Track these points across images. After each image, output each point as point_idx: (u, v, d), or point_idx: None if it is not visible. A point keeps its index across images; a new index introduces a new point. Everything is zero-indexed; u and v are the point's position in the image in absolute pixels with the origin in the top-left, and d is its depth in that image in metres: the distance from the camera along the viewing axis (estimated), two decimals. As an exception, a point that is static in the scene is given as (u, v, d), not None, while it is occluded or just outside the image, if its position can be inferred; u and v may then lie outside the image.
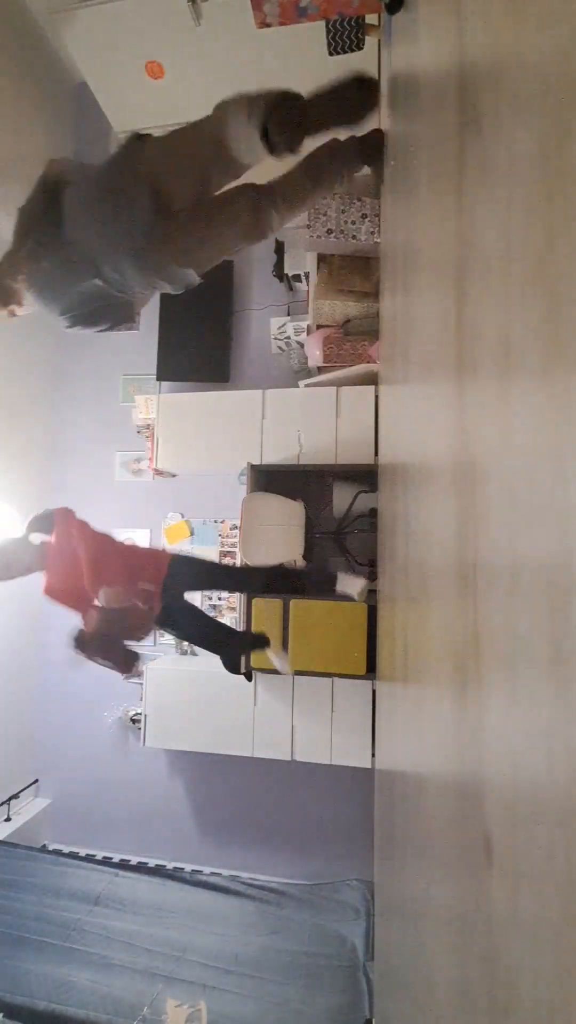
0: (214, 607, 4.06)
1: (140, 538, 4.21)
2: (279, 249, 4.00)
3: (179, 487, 4.18)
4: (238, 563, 2.87)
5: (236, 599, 4.00)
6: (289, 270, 3.88)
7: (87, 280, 1.82)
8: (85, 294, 1.87)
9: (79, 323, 1.94)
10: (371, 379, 3.37)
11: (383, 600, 2.15)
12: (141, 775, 4.03)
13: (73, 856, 3.66)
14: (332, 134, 1.93)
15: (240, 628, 3.48)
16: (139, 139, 1.95)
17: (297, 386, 3.63)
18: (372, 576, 3.32)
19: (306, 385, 3.56)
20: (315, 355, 3.49)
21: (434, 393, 0.62)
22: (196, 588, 2.71)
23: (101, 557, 2.42)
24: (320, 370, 3.59)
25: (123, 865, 3.55)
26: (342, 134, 1.92)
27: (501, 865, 0.30)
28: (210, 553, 4.10)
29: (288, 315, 4.04)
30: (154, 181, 1.82)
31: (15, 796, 3.92)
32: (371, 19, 2.60)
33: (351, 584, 2.58)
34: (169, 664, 3.85)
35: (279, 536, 3.21)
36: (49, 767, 4.18)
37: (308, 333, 3.65)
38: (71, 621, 4.36)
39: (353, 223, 3.17)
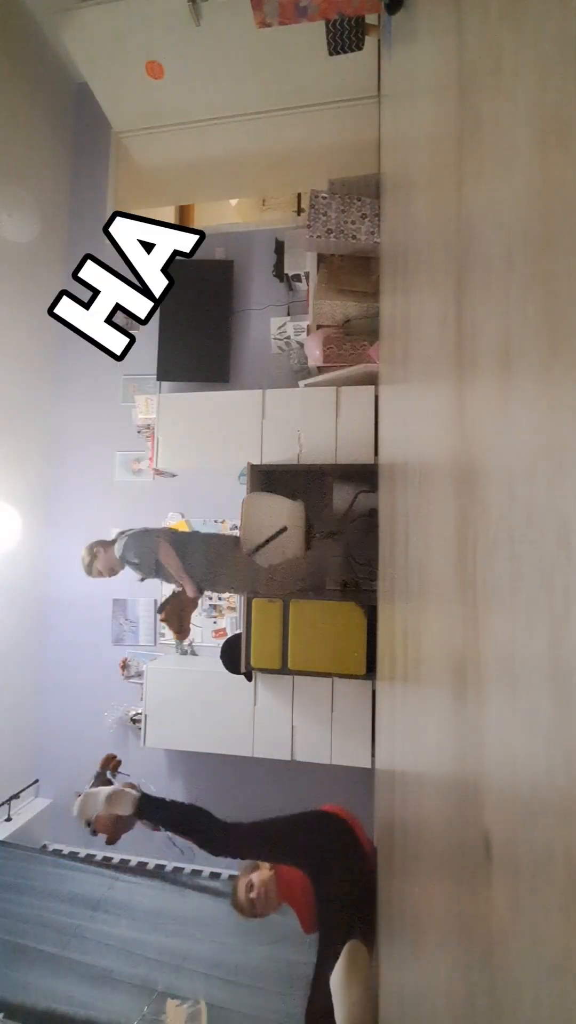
0: (214, 607, 4.06)
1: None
2: (279, 249, 4.00)
3: (179, 487, 4.18)
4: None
5: (236, 600, 4.00)
6: (289, 270, 3.89)
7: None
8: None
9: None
10: (371, 379, 3.37)
11: (383, 600, 2.15)
12: (141, 775, 4.03)
13: (73, 857, 3.66)
14: None
15: (240, 629, 3.48)
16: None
17: (297, 386, 3.63)
18: (372, 576, 3.32)
19: (306, 385, 3.56)
20: (315, 355, 3.49)
21: (434, 393, 0.62)
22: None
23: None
24: (320, 370, 3.59)
25: (123, 868, 3.55)
26: None
27: (501, 865, 0.30)
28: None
29: (288, 315, 4.04)
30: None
31: (15, 796, 3.92)
32: (371, 19, 2.60)
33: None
34: (169, 664, 3.85)
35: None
36: (49, 767, 4.18)
37: (308, 333, 3.65)
38: (71, 621, 4.35)
39: (353, 223, 3.18)
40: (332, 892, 1.85)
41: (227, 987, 2.66)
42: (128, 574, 3.03)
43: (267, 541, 2.95)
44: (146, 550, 2.85)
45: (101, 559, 2.94)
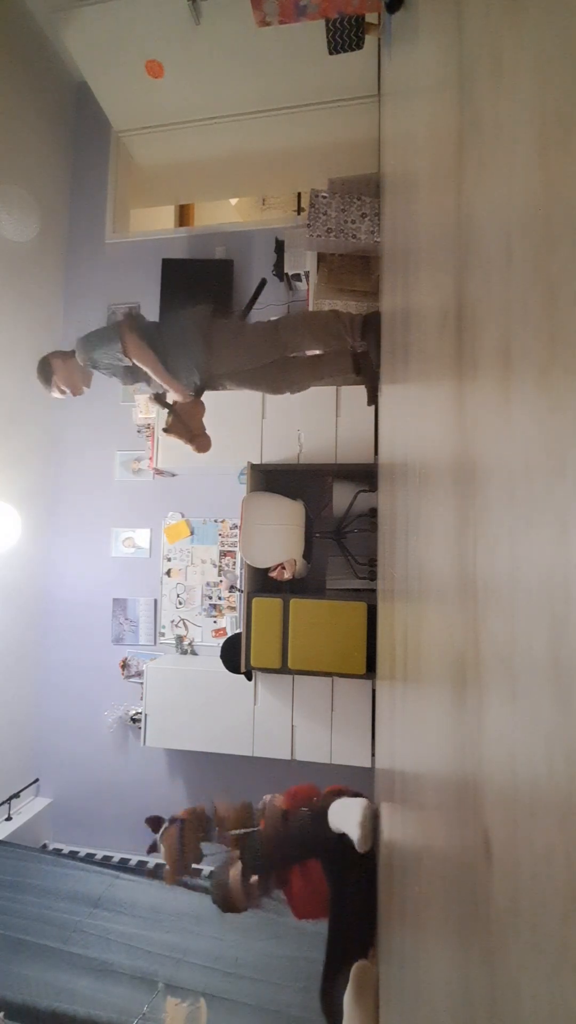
0: (214, 606, 4.07)
1: (140, 538, 4.22)
2: (279, 248, 4.00)
3: (179, 486, 4.18)
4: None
5: (236, 599, 4.00)
6: (289, 269, 3.89)
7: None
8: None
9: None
10: (371, 379, 3.37)
11: (383, 600, 2.15)
12: (141, 775, 4.04)
13: (73, 856, 3.66)
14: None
15: (240, 628, 3.48)
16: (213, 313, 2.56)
17: (297, 386, 3.62)
18: (372, 576, 3.32)
19: (306, 385, 3.55)
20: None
21: (434, 392, 0.62)
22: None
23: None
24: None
25: (123, 867, 3.55)
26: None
27: (501, 865, 0.30)
28: (210, 552, 4.10)
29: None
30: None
31: (16, 795, 3.93)
32: (371, 18, 2.60)
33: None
34: (169, 664, 3.85)
35: (279, 535, 3.21)
36: (49, 766, 4.18)
37: (308, 333, 3.64)
38: (71, 621, 4.36)
39: (353, 223, 3.17)
40: (349, 872, 1.84)
41: (227, 979, 2.67)
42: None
43: None
44: (113, 350, 2.38)
45: (61, 373, 2.49)
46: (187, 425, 2.52)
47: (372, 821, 1.81)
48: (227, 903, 2.07)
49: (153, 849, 2.26)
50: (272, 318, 2.68)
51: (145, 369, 2.39)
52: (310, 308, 3.58)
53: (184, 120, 4.12)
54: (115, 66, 3.78)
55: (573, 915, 0.20)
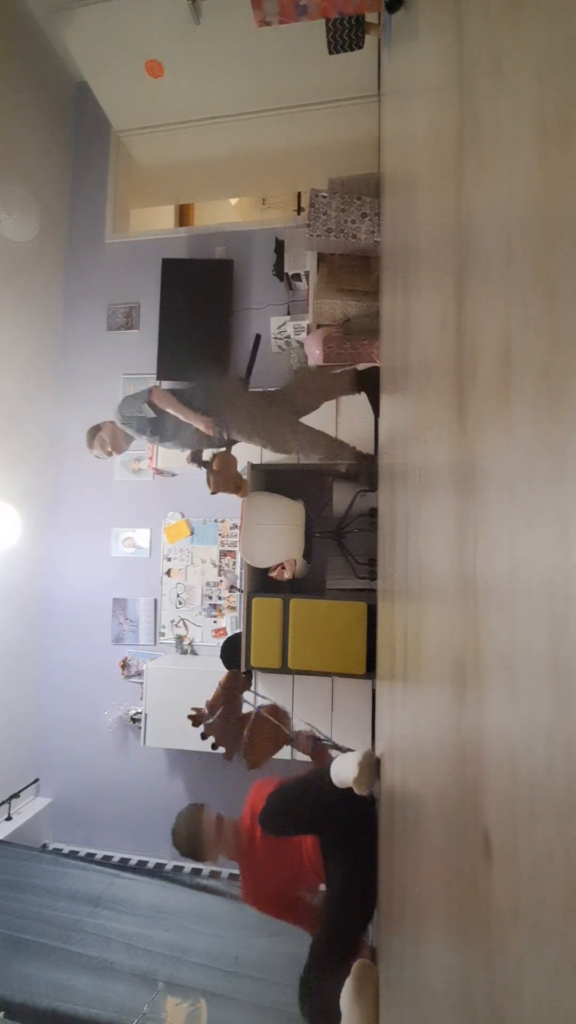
0: (214, 606, 4.07)
1: (140, 537, 4.22)
2: (279, 248, 4.00)
3: (179, 486, 4.18)
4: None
5: (236, 599, 4.00)
6: (289, 269, 3.89)
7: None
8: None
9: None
10: (371, 378, 3.36)
11: (383, 599, 2.15)
12: (141, 775, 4.04)
13: (73, 856, 3.66)
14: None
15: (240, 628, 3.48)
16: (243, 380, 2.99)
17: (297, 386, 3.61)
18: (372, 576, 3.32)
19: (306, 384, 3.55)
20: (315, 354, 3.49)
21: (434, 392, 0.62)
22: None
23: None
24: (320, 369, 3.58)
25: (123, 867, 3.55)
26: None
27: (501, 865, 0.30)
28: (210, 552, 4.10)
29: (288, 314, 4.04)
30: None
31: (16, 795, 3.93)
32: (371, 17, 2.60)
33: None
34: (169, 664, 3.85)
35: (279, 535, 3.21)
36: (49, 766, 4.18)
37: (308, 332, 3.65)
38: (71, 621, 4.35)
39: (353, 222, 3.17)
40: (349, 853, 1.83)
41: (228, 978, 2.67)
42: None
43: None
44: (139, 403, 2.73)
45: (106, 430, 2.88)
46: (227, 477, 2.86)
47: (372, 765, 1.80)
48: (191, 845, 2.00)
49: (196, 720, 2.56)
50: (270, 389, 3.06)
51: (170, 410, 2.68)
52: (310, 307, 3.58)
53: (184, 120, 4.12)
54: (115, 66, 3.77)
55: (573, 915, 0.20)
